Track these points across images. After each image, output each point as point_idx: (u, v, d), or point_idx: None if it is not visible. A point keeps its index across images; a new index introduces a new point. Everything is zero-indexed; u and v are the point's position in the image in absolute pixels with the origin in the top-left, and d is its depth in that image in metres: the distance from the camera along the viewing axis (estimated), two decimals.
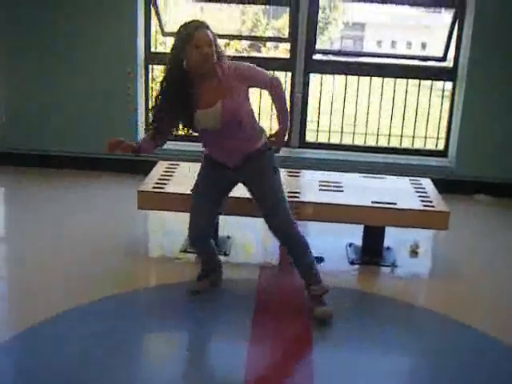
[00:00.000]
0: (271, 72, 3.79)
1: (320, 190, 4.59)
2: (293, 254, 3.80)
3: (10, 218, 5.45)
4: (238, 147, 3.62)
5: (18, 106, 6.34)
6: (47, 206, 5.43)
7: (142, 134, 6.32)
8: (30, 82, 6.25)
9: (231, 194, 3.90)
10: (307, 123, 6.44)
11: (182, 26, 3.45)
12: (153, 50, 6.40)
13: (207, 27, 3.43)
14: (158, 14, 6.21)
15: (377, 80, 6.45)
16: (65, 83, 6.23)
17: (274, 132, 3.68)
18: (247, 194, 3.83)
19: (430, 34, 19.81)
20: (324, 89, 6.58)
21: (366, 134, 6.64)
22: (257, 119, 3.79)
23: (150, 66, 6.39)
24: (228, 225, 4.74)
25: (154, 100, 3.63)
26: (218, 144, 3.62)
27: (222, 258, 4.47)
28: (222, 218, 4.57)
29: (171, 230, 4.99)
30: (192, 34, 3.37)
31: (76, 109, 6.27)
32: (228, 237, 4.74)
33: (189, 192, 4.05)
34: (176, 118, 3.58)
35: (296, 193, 4.46)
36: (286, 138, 3.73)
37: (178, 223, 4.82)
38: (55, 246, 4.62)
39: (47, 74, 6.20)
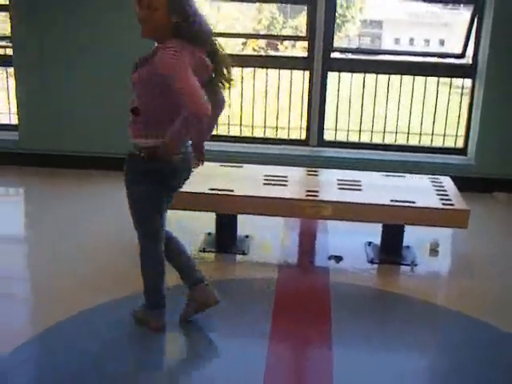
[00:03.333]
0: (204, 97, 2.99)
1: (339, 188, 4.57)
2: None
3: (29, 219, 5.48)
4: (129, 121, 3.33)
5: (36, 107, 6.37)
6: (66, 206, 5.46)
7: None
8: (47, 84, 6.28)
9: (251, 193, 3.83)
10: (325, 122, 6.41)
11: None
12: None
13: None
14: None
15: (395, 78, 6.41)
16: (85, 84, 6.25)
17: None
18: (263, 193, 3.81)
19: (449, 31, 19.69)
20: (342, 87, 6.55)
21: (384, 132, 6.60)
22: (165, 123, 3.15)
23: None
24: (246, 224, 4.73)
25: None
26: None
27: (240, 257, 4.48)
28: (240, 218, 4.58)
29: (189, 229, 5.00)
30: None
31: (93, 109, 6.28)
32: (246, 236, 4.74)
33: (203, 190, 4.05)
34: None
35: (315, 192, 4.45)
36: (167, 152, 3.18)
37: (196, 222, 4.83)
38: (74, 246, 4.64)
39: (67, 75, 6.22)
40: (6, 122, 6.93)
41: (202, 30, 3.09)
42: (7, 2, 6.20)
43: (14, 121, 6.65)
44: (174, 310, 3.59)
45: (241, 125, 6.67)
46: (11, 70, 6.51)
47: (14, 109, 6.56)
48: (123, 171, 3.40)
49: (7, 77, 6.91)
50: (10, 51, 6.43)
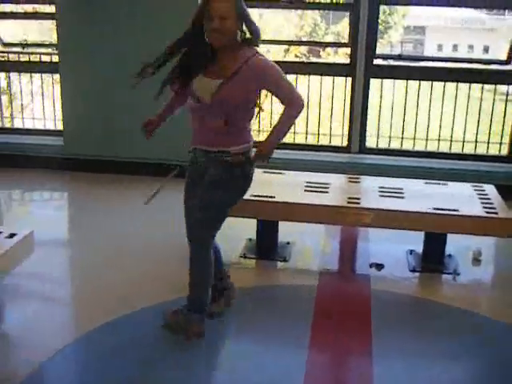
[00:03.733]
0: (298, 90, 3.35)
1: (380, 196, 4.55)
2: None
3: (72, 223, 5.57)
4: (213, 134, 3.36)
5: (80, 113, 6.46)
6: (109, 211, 5.53)
7: None
8: (94, 89, 6.37)
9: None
10: (367, 128, 6.39)
11: None
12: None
13: None
14: None
15: (438, 84, 6.36)
16: (127, 90, 6.30)
17: (262, 140, 3.36)
18: (305, 200, 3.80)
19: (493, 36, 19.45)
20: (384, 94, 6.52)
21: (427, 139, 6.54)
22: (250, 128, 3.42)
23: None
24: (288, 231, 4.73)
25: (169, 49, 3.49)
26: (200, 120, 3.42)
27: (281, 263, 4.49)
28: (281, 224, 4.58)
29: (230, 235, 5.01)
30: (208, 1, 3.14)
31: (138, 115, 6.33)
32: (288, 243, 4.74)
33: (249, 197, 4.07)
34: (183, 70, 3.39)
35: (356, 199, 4.43)
36: (271, 152, 3.32)
37: (237, 228, 4.84)
38: (114, 251, 4.70)
39: (111, 81, 6.29)
40: (51, 127, 7.06)
41: (258, 33, 3.27)
42: (54, 10, 6.31)
43: (59, 126, 6.77)
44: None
45: None
46: (57, 76, 6.63)
47: (59, 115, 6.67)
48: (210, 177, 3.41)
49: (53, 83, 7.03)
50: (55, 58, 6.55)
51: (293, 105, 3.25)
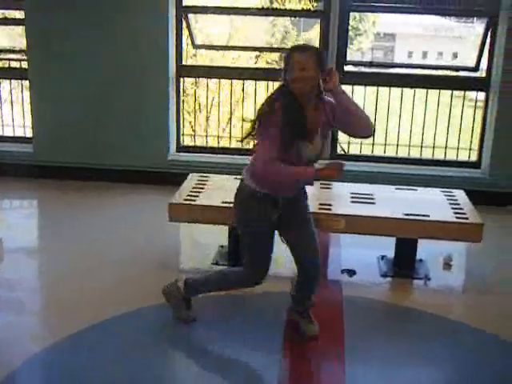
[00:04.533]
0: None
1: (352, 202, 4.57)
2: (313, 284, 3.63)
3: (43, 231, 5.52)
4: (299, 185, 3.53)
5: (50, 120, 6.41)
6: (79, 218, 5.48)
7: (173, 146, 6.37)
8: (60, 96, 6.33)
9: None
10: (338, 135, 6.39)
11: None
12: (184, 62, 6.45)
13: (309, 49, 3.31)
14: (188, 26, 6.25)
15: (408, 91, 6.41)
16: (95, 97, 6.29)
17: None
18: None
19: (462, 44, 19.67)
20: (355, 100, 6.52)
21: (397, 145, 6.59)
22: None
23: (182, 79, 6.42)
24: None
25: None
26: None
27: None
28: None
29: (202, 242, 5.01)
30: (290, 54, 3.28)
31: (107, 122, 6.32)
32: None
33: (220, 204, 4.06)
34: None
35: (328, 205, 4.44)
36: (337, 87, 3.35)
37: (209, 235, 4.83)
38: (87, 258, 4.66)
39: (81, 88, 6.27)
40: (20, 134, 6.98)
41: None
42: (23, 16, 6.25)
43: (29, 133, 6.70)
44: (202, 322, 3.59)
45: None
46: (26, 83, 6.56)
47: (29, 122, 6.60)
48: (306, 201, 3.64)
49: (22, 90, 6.97)
50: (25, 64, 6.48)
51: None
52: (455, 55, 20.53)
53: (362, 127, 3.39)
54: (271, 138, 3.21)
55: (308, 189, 4.53)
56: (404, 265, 4.55)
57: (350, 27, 6.21)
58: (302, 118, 3.27)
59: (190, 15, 6.30)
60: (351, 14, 6.16)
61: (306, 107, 3.30)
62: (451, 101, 6.40)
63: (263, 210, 3.41)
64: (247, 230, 3.47)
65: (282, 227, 3.53)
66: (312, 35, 13.92)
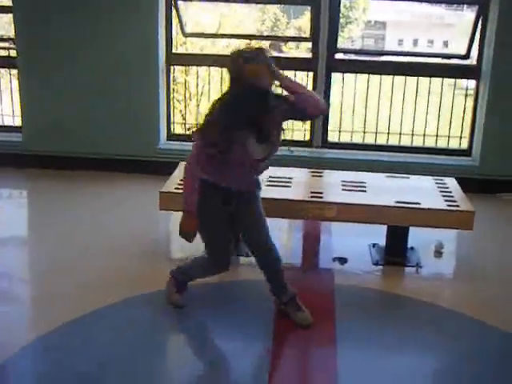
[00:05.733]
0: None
1: (343, 190, 4.56)
2: (272, 265, 3.69)
3: (33, 221, 5.49)
4: (254, 177, 3.61)
5: (39, 109, 6.37)
6: (69, 208, 5.46)
7: (163, 135, 6.34)
8: (50, 84, 6.28)
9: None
10: (329, 123, 6.39)
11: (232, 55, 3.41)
12: (174, 50, 6.41)
13: (262, 60, 3.34)
14: (178, 14, 6.21)
15: (399, 79, 6.39)
16: (85, 85, 6.25)
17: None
18: (267, 194, 3.79)
19: (452, 32, 19.68)
20: (346, 88, 6.53)
21: (388, 133, 6.58)
22: None
23: (172, 67, 6.39)
24: None
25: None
26: (243, 172, 3.51)
27: (244, 259, 4.47)
28: None
29: None
30: (243, 65, 3.31)
31: (97, 111, 6.29)
32: None
33: None
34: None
35: (319, 193, 4.43)
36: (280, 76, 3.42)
37: None
38: (77, 248, 4.63)
39: (70, 76, 6.22)
40: (9, 123, 6.93)
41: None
42: (11, 4, 6.20)
43: (18, 122, 6.65)
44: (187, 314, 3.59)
45: None
46: (15, 71, 6.51)
47: (18, 110, 6.55)
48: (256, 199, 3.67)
49: (11, 78, 6.91)
50: (13, 53, 6.43)
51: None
52: (446, 43, 20.55)
53: (311, 106, 3.42)
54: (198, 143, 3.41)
55: (299, 176, 4.55)
56: (395, 253, 4.55)
57: (340, 15, 6.19)
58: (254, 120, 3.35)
59: (180, 3, 6.26)
60: (342, 1, 6.13)
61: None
62: (442, 89, 6.40)
63: (214, 200, 3.50)
64: (201, 219, 3.48)
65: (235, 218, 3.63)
66: (302, 22, 13.89)
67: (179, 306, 3.78)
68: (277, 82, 3.41)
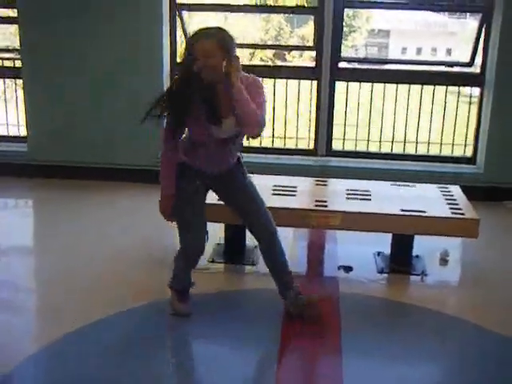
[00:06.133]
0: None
1: (347, 198, 4.56)
2: (274, 248, 3.74)
3: (37, 230, 5.50)
4: (226, 158, 3.66)
5: (44, 119, 6.39)
6: (73, 218, 5.47)
7: None
8: (54, 95, 6.31)
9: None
10: (333, 131, 6.40)
11: (189, 36, 3.45)
12: (178, 60, 6.43)
13: (213, 35, 3.33)
14: (183, 24, 6.23)
15: (403, 87, 6.40)
16: (91, 95, 6.27)
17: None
18: (272, 203, 3.81)
19: (456, 40, 19.69)
20: (350, 96, 6.54)
21: (392, 141, 6.58)
22: None
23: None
24: None
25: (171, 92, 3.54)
26: (210, 153, 3.58)
27: (249, 267, 4.48)
28: None
29: None
30: (192, 44, 3.33)
31: (102, 121, 6.30)
32: (255, 247, 4.71)
33: (215, 201, 4.05)
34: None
35: (323, 202, 4.44)
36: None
37: None
38: (81, 257, 4.64)
39: (75, 87, 6.24)
40: (14, 133, 6.95)
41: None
42: (16, 15, 6.23)
43: (23, 132, 6.68)
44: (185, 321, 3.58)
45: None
46: (20, 81, 6.54)
47: (23, 120, 6.58)
48: (241, 173, 3.79)
49: (16, 89, 6.94)
50: (18, 63, 6.46)
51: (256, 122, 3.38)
52: (449, 51, 20.56)
53: (248, 124, 3.39)
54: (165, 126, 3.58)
55: (304, 185, 4.55)
56: (400, 261, 4.54)
57: (344, 24, 6.20)
58: (211, 102, 3.41)
59: (184, 12, 6.28)
60: (345, 10, 6.15)
61: (217, 90, 3.42)
62: (446, 96, 6.40)
63: (192, 183, 3.63)
64: (177, 199, 3.62)
65: (224, 199, 3.87)
66: (305, 31, 13.91)
67: (185, 315, 3.77)
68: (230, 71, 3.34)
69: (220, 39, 3.32)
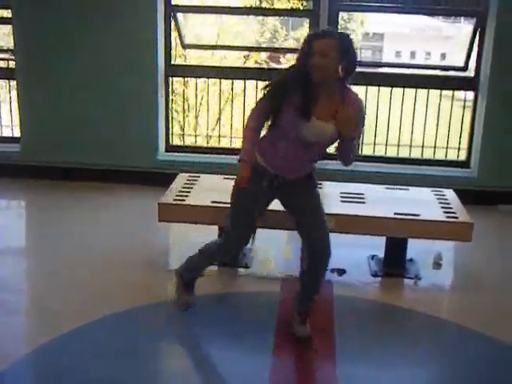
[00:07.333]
0: None
1: (341, 201, 4.56)
2: (321, 268, 3.62)
3: (31, 232, 5.48)
4: (304, 166, 3.55)
5: (38, 120, 6.38)
6: (68, 218, 5.45)
7: (162, 146, 6.34)
8: (52, 96, 6.29)
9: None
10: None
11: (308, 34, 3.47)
12: (173, 62, 6.43)
13: (334, 36, 3.32)
14: (178, 26, 6.23)
15: (397, 91, 6.41)
16: (83, 97, 6.25)
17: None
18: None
19: (450, 44, 19.73)
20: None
21: (386, 144, 6.59)
22: None
23: (170, 79, 6.40)
24: None
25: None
26: (290, 154, 3.45)
27: (243, 270, 4.47)
28: None
29: (192, 242, 4.97)
30: (312, 40, 3.32)
31: (96, 122, 6.29)
32: (249, 249, 4.72)
33: (210, 204, 4.04)
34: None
35: None
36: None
37: (199, 235, 4.80)
38: (76, 258, 4.63)
39: (69, 88, 6.23)
40: (8, 134, 6.93)
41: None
42: (10, 15, 6.21)
43: (16, 133, 6.66)
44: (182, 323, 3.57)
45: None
46: (14, 82, 6.52)
47: (16, 121, 6.55)
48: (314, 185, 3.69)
49: (10, 89, 6.92)
50: (12, 64, 6.44)
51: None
52: (443, 55, 20.59)
53: (344, 161, 3.52)
54: (261, 102, 3.45)
55: None
56: (394, 264, 4.54)
57: (338, 27, 6.21)
58: (308, 96, 3.32)
59: (179, 14, 6.28)
60: (340, 13, 6.15)
61: (320, 90, 3.35)
62: (440, 100, 6.41)
63: (257, 184, 3.49)
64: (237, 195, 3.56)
65: (290, 206, 3.67)
66: (300, 34, 13.91)
67: (190, 306, 3.82)
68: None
69: (340, 43, 3.30)
